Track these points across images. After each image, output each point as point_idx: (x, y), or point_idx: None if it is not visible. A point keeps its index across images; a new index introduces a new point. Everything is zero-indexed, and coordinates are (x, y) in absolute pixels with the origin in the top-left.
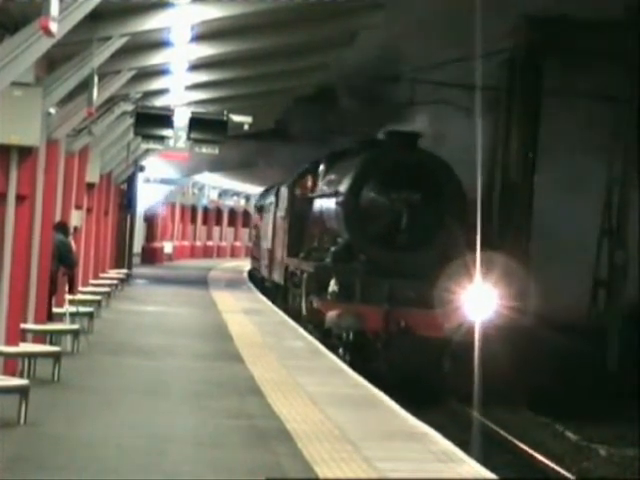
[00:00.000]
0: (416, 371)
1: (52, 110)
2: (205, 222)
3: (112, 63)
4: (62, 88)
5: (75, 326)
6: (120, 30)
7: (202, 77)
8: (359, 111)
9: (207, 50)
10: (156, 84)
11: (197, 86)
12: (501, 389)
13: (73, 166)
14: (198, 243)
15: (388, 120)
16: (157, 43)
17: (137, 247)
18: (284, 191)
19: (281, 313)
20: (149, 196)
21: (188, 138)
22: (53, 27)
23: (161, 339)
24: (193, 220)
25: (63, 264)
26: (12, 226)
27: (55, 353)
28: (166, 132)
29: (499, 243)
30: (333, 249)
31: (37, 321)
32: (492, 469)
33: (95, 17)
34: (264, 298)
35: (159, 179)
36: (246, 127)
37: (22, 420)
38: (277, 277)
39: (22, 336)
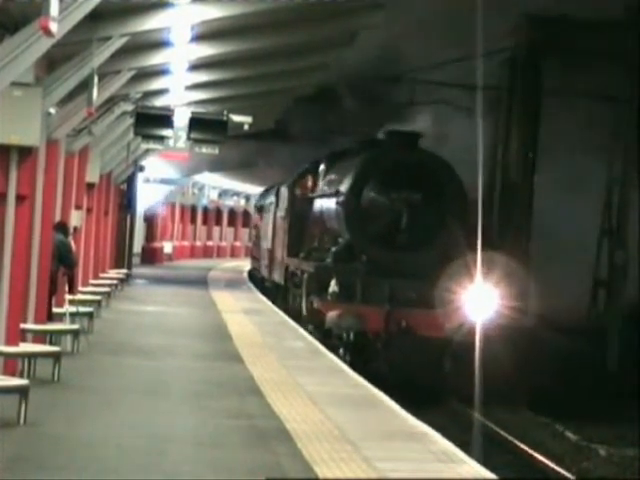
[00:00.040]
0: (417, 371)
1: (52, 110)
2: (205, 222)
3: (112, 63)
4: (62, 88)
5: (75, 326)
6: (120, 30)
7: (202, 77)
8: (359, 111)
9: (207, 50)
10: (156, 84)
11: (197, 86)
12: (502, 389)
13: (73, 166)
14: (198, 243)
15: (388, 120)
16: (157, 43)
17: (137, 247)
18: (284, 191)
19: (281, 313)
20: (149, 196)
21: (188, 138)
22: (53, 27)
23: (161, 339)
24: (193, 220)
25: (63, 264)
26: (12, 226)
27: (55, 353)
28: (166, 132)
29: (499, 243)
30: (333, 249)
31: (37, 321)
32: (492, 469)
33: (95, 17)
34: (264, 298)
35: (159, 179)
36: (246, 127)
37: (22, 420)
38: (277, 277)
39: (22, 336)
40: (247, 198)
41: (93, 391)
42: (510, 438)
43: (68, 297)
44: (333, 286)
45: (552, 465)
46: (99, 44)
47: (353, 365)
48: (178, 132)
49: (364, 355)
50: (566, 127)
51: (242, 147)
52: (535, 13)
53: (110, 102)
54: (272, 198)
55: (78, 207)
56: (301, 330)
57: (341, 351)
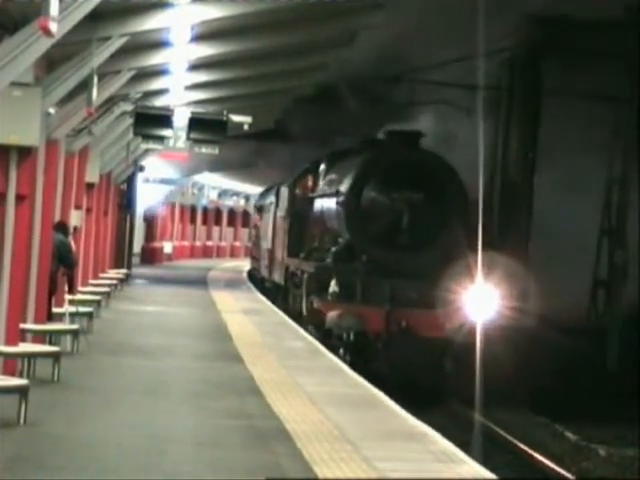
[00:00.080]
0: (417, 372)
1: (52, 110)
2: (205, 222)
3: (112, 63)
4: (62, 88)
5: (75, 326)
6: (120, 30)
7: (202, 77)
8: (359, 111)
9: (207, 50)
10: (156, 84)
11: (197, 86)
12: (502, 390)
13: (73, 166)
14: (198, 243)
15: (388, 120)
16: (157, 43)
17: (137, 247)
18: (284, 191)
19: (280, 313)
20: (149, 196)
21: (188, 138)
22: (53, 27)
23: (161, 339)
24: (193, 220)
25: (63, 264)
26: (12, 226)
27: (55, 353)
28: (166, 132)
29: (500, 243)
30: (334, 249)
31: (37, 321)
32: (492, 469)
33: (95, 17)
34: (263, 298)
35: (159, 179)
36: (246, 127)
37: (22, 420)
38: (277, 277)
39: (22, 336)
40: (247, 198)
41: (93, 391)
42: (510, 438)
43: (68, 297)
44: (333, 286)
45: (552, 465)
46: (99, 44)
47: (353, 365)
48: (178, 132)
49: (364, 355)
50: (566, 127)
51: (242, 147)
52: (535, 13)
53: (110, 102)
54: (272, 198)
55: (78, 207)
56: (301, 330)
57: (341, 351)
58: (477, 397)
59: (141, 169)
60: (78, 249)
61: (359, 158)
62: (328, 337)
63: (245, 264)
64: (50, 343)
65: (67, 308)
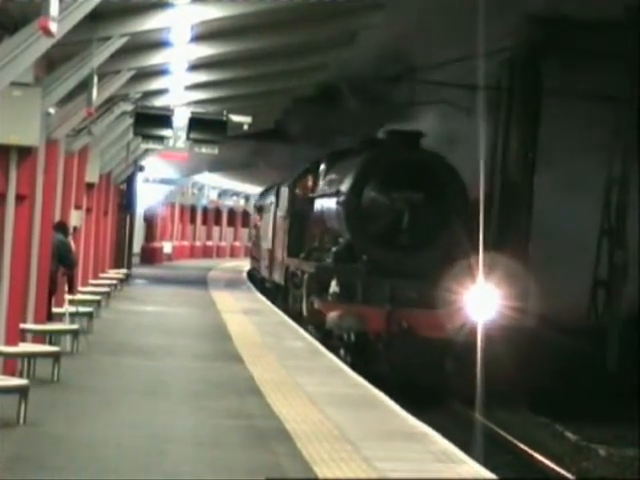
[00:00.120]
0: (418, 372)
1: (51, 110)
2: (204, 222)
3: (112, 63)
4: (62, 88)
5: (75, 326)
6: (120, 30)
7: (202, 77)
8: (360, 111)
9: (207, 50)
10: (156, 84)
11: (197, 86)
12: (502, 390)
13: (73, 166)
14: (197, 243)
15: (388, 120)
16: (157, 43)
17: (136, 247)
18: (284, 191)
19: (280, 313)
20: (149, 196)
21: (188, 138)
22: (53, 27)
23: (160, 339)
24: (192, 220)
25: (63, 264)
26: (12, 226)
27: (55, 353)
28: (165, 132)
29: (499, 243)
30: (334, 249)
31: (37, 321)
32: (492, 469)
33: (95, 17)
34: (263, 298)
35: (159, 179)
36: (246, 127)
37: (22, 420)
38: (277, 277)
39: (22, 336)
40: (247, 198)
41: (93, 391)
42: (510, 438)
43: (68, 297)
44: (334, 286)
45: (552, 465)
46: (99, 44)
47: (354, 366)
48: (178, 132)
49: (365, 356)
50: (566, 127)
51: (242, 147)
52: (535, 13)
53: (110, 102)
54: (272, 198)
55: (78, 207)
56: (300, 330)
57: (342, 352)
58: (478, 397)
59: (141, 169)
60: (78, 249)
61: (359, 158)
62: (329, 338)
63: (245, 264)
64: (50, 343)
65: (67, 308)
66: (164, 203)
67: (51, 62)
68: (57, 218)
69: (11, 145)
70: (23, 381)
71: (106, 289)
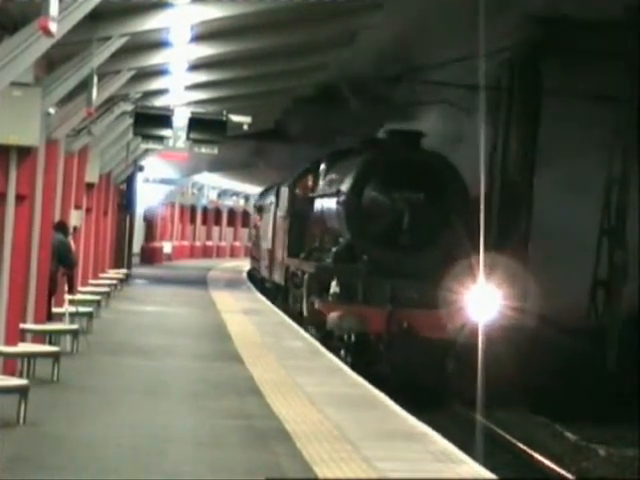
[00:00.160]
0: (419, 373)
1: (51, 110)
2: (204, 222)
3: (112, 63)
4: (61, 88)
5: (74, 326)
6: (120, 30)
7: (201, 77)
8: (360, 111)
9: (207, 50)
10: (155, 84)
11: (196, 86)
12: (503, 390)
13: (72, 166)
14: (197, 243)
15: (389, 120)
16: (157, 43)
17: (136, 247)
18: (284, 191)
19: (280, 313)
20: (148, 196)
21: (187, 138)
22: (52, 27)
23: (160, 339)
24: (192, 220)
25: (62, 264)
26: (12, 226)
27: (54, 353)
28: (165, 132)
29: (499, 243)
30: (334, 249)
31: (36, 321)
32: (492, 469)
33: (95, 17)
34: (263, 298)
35: (158, 179)
36: (245, 127)
37: (22, 420)
38: (277, 278)
39: (21, 336)
40: (246, 198)
41: (93, 391)
42: (509, 438)
43: (68, 297)
44: (334, 287)
45: (552, 465)
46: (99, 44)
47: (355, 366)
48: (177, 132)
49: (366, 356)
50: (566, 127)
51: (241, 147)
52: (535, 13)
53: (110, 102)
54: (272, 198)
55: (77, 207)
56: (300, 330)
57: (342, 352)
58: (479, 398)
59: (141, 169)
60: (78, 249)
61: (360, 158)
62: (329, 338)
63: (245, 264)
64: (50, 343)
65: (67, 308)
66: (164, 203)
67: (51, 62)
68: (57, 218)
69: (11, 145)
70: (23, 381)
71: (106, 289)
